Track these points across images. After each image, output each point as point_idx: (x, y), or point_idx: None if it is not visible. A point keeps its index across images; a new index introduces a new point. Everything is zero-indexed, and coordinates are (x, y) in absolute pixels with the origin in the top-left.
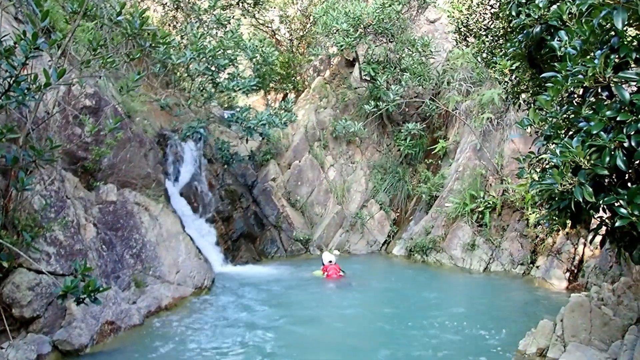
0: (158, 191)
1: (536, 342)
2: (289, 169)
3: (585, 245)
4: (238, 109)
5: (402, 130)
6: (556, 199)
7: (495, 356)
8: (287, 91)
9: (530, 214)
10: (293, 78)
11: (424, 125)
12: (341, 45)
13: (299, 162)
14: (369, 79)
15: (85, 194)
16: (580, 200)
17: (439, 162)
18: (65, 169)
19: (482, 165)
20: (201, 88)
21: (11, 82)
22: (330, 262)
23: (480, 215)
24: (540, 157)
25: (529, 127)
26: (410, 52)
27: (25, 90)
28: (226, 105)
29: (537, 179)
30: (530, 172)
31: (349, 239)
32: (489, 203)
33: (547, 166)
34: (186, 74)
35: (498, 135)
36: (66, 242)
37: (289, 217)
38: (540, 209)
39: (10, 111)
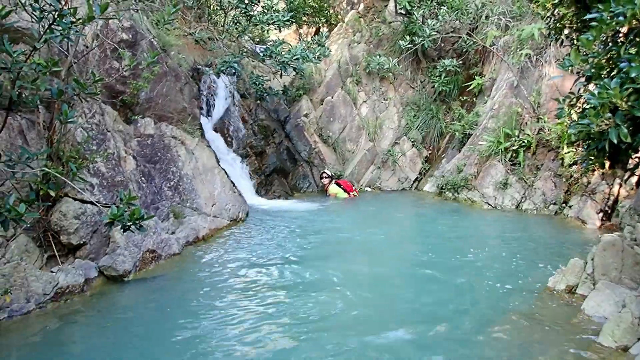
0: (193, 125)
1: (565, 279)
2: (321, 105)
3: (620, 185)
4: (271, 43)
5: (437, 67)
6: (594, 139)
7: (524, 291)
8: (320, 25)
9: (565, 153)
10: (326, 11)
11: (460, 62)
12: None
13: (332, 98)
14: (404, 12)
15: (124, 127)
16: (615, 141)
17: (474, 99)
18: (104, 103)
19: (519, 103)
20: (235, 21)
21: (55, 15)
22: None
23: (514, 154)
24: (579, 97)
25: (570, 67)
26: None
27: (70, 24)
28: (258, 40)
29: (576, 119)
30: (569, 112)
31: (380, 176)
32: (524, 142)
33: (586, 106)
34: (219, 7)
35: (536, 73)
36: (108, 174)
37: (321, 153)
38: (576, 149)
39: (52, 45)
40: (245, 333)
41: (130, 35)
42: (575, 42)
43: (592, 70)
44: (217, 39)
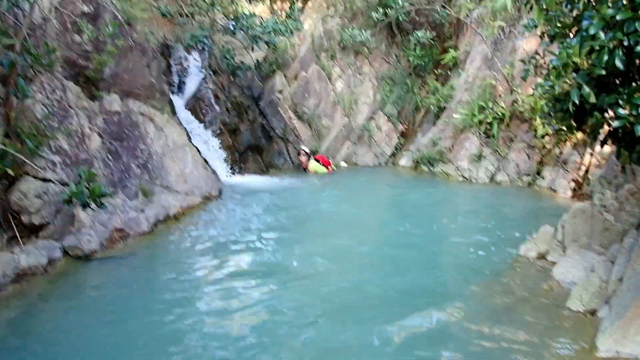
0: (162, 102)
1: (536, 246)
2: (295, 81)
3: (592, 155)
4: (243, 16)
5: (411, 40)
6: (559, 101)
7: (496, 259)
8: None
9: (538, 124)
10: None
11: (434, 34)
12: None
13: (306, 73)
14: None
15: (88, 104)
16: (577, 101)
17: (449, 73)
18: (66, 78)
19: (492, 76)
20: None
21: None
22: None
23: (488, 127)
24: (544, 58)
25: (534, 28)
26: None
27: None
28: (232, 17)
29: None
30: (535, 74)
31: (356, 151)
32: (498, 114)
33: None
34: None
35: (510, 45)
36: (71, 151)
37: (296, 129)
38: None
39: (5, 17)
40: (215, 311)
41: (92, 8)
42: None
43: (556, 29)
44: (185, 14)
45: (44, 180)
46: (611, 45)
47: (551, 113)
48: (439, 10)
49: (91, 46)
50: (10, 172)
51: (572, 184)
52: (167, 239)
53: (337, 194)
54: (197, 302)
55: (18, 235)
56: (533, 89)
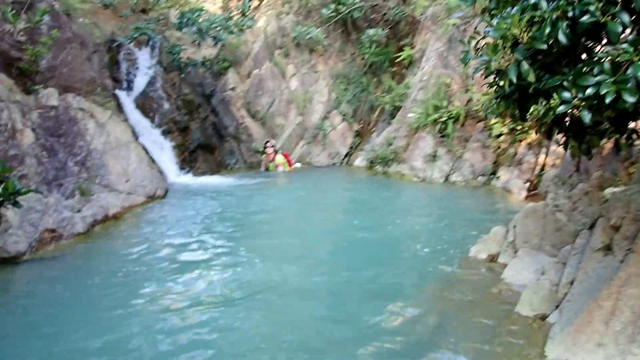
0: (105, 97)
1: (487, 248)
2: (248, 78)
3: (546, 155)
4: (188, 10)
5: (363, 37)
6: (497, 82)
7: (445, 261)
8: None
9: (493, 124)
10: None
11: (388, 31)
12: None
13: (260, 71)
14: None
15: (22, 98)
16: (514, 79)
17: (404, 71)
18: None
19: (447, 74)
20: None
21: None
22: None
23: (443, 126)
24: (485, 36)
25: (473, 3)
26: None
27: None
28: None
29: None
30: (476, 56)
31: (311, 151)
32: (452, 113)
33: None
34: None
35: None
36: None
37: (249, 128)
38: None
39: None
40: (150, 317)
41: None
42: None
43: (495, 1)
44: (132, 8)
45: None
46: (554, 16)
47: (493, 101)
48: (391, 6)
49: (25, 36)
50: None
51: (527, 184)
52: (102, 241)
53: (287, 195)
54: (127, 309)
55: None
56: (491, 93)
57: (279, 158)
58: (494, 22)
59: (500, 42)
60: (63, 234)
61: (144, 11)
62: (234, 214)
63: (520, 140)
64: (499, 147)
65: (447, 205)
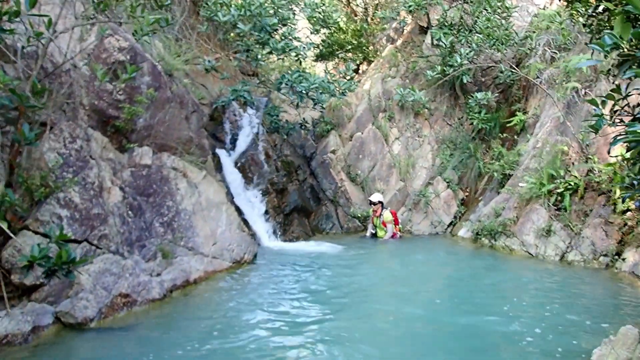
0: (201, 157)
1: (615, 352)
2: (350, 141)
3: None
4: (290, 72)
5: (470, 101)
6: None
7: None
8: (358, 61)
9: (618, 197)
10: (364, 48)
11: (498, 95)
12: (409, 6)
13: (362, 133)
14: (439, 44)
15: (115, 156)
16: None
17: (515, 137)
18: (93, 127)
19: (565, 142)
20: (245, 48)
21: None
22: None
23: (559, 198)
24: (627, 96)
25: (613, 47)
26: (488, 13)
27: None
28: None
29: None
30: (613, 121)
31: (412, 219)
32: (570, 184)
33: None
34: (237, 35)
35: (585, 108)
36: (82, 205)
37: (347, 192)
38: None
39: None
40: None
41: (129, 57)
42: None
43: None
44: (236, 68)
45: (45, 235)
46: None
47: (634, 183)
48: (502, 68)
49: (124, 96)
50: (2, 225)
51: None
52: (180, 309)
53: (386, 265)
54: None
55: (5, 297)
56: (616, 164)
57: (387, 215)
58: None
59: None
60: (137, 300)
61: (254, 74)
62: (326, 287)
63: None
64: (625, 225)
65: (563, 290)
